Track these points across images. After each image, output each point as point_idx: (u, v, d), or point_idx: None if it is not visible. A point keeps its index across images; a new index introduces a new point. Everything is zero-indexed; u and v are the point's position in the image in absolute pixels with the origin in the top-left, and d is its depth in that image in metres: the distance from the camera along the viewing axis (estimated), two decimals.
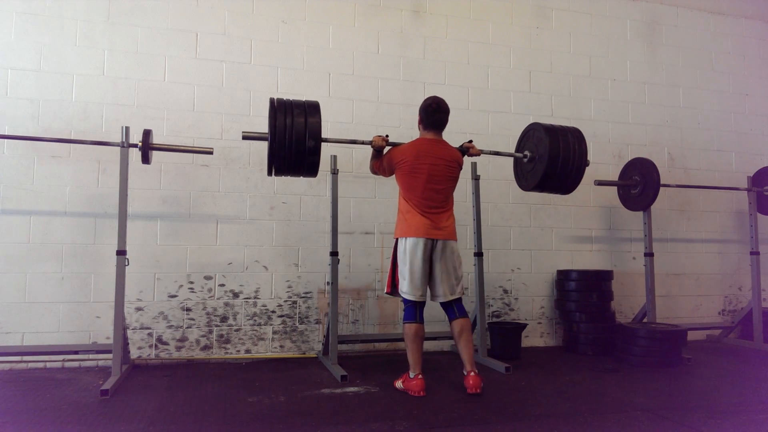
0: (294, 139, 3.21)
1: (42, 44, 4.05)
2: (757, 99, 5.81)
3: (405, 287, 3.35)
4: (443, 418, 2.83)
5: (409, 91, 4.78)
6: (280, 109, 3.25)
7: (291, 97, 3.43)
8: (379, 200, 4.61)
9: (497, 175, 4.89)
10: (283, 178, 4.37)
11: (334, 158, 4.02)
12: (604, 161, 5.24)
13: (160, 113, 4.22)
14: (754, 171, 5.27)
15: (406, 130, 4.72)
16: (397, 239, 3.43)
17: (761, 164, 5.42)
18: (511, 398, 3.21)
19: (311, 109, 3.30)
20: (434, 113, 3.42)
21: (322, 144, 3.32)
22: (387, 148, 3.56)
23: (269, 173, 3.36)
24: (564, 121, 5.12)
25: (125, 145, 3.53)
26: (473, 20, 5.02)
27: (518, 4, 5.15)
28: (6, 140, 3.88)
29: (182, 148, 3.85)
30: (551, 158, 3.65)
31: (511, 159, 4.89)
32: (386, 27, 4.78)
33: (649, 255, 4.70)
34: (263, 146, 4.32)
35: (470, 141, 3.77)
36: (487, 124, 4.95)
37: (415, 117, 4.67)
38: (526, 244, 4.98)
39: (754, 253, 4.99)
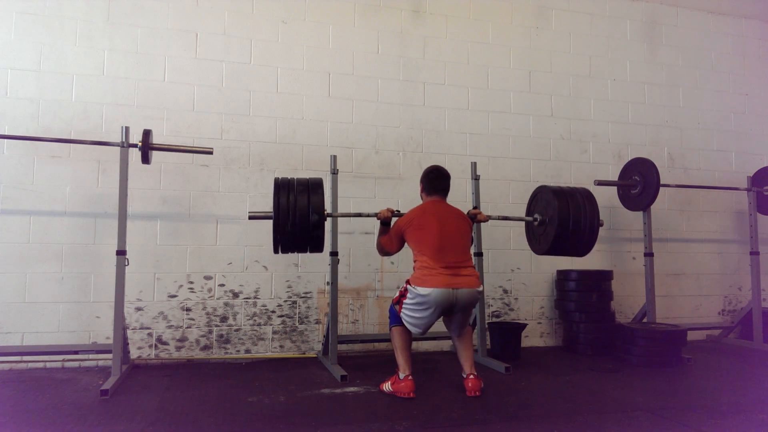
0: (298, 217, 3.28)
1: (42, 44, 4.05)
2: (757, 99, 5.81)
3: (408, 322, 3.28)
4: (443, 418, 2.83)
5: (409, 91, 4.78)
6: (283, 189, 3.35)
7: (294, 174, 3.44)
8: (379, 200, 4.61)
9: (497, 175, 4.89)
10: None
11: (334, 158, 4.02)
12: (604, 161, 5.24)
13: (160, 113, 4.22)
14: (754, 171, 5.27)
15: (406, 130, 4.73)
16: (408, 283, 3.29)
17: (761, 164, 5.42)
18: (511, 398, 3.20)
19: (314, 187, 3.38)
20: (435, 179, 3.45)
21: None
22: (393, 220, 3.53)
23: (275, 251, 3.39)
24: (564, 121, 5.16)
25: (125, 145, 3.53)
26: (473, 20, 5.02)
27: (518, 4, 5.15)
28: (6, 140, 3.88)
29: (182, 148, 3.86)
30: (561, 220, 3.61)
31: (512, 159, 4.93)
32: (386, 27, 4.78)
33: (649, 255, 4.70)
34: (263, 146, 4.37)
35: (475, 208, 3.97)
36: (487, 124, 4.95)
37: (414, 117, 4.74)
38: (526, 244, 4.94)
39: (754, 253, 4.99)
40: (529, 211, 4.03)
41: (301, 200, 3.30)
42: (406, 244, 3.43)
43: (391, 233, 3.46)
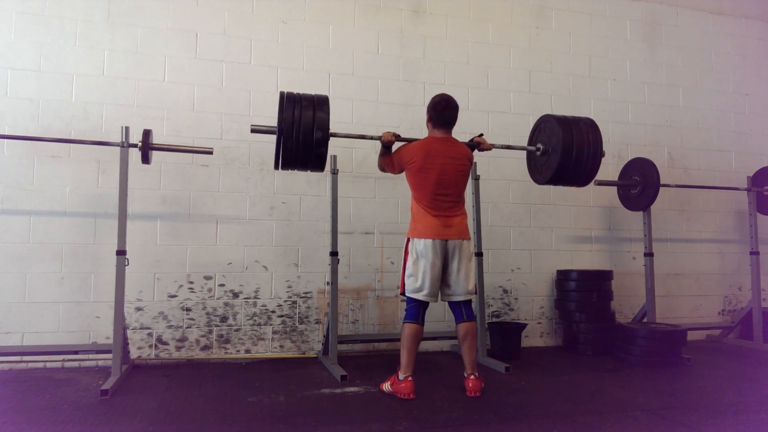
0: (302, 131, 3.21)
1: (42, 44, 4.05)
2: (757, 99, 5.81)
3: (413, 287, 3.28)
4: (443, 418, 2.83)
5: (409, 91, 4.78)
6: (288, 103, 3.26)
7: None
8: (379, 200, 4.61)
9: (497, 174, 4.89)
10: (282, 177, 4.39)
11: (334, 158, 4.01)
12: (604, 161, 5.18)
13: (160, 113, 4.22)
14: (754, 171, 5.27)
15: (406, 130, 4.71)
16: (408, 239, 3.37)
17: (761, 164, 5.42)
18: (511, 398, 3.20)
19: (320, 103, 3.31)
20: (444, 110, 3.36)
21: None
22: (396, 144, 3.51)
23: (276, 167, 3.33)
24: None
25: (125, 145, 3.53)
26: (473, 20, 5.02)
27: (518, 4, 5.15)
28: (6, 140, 3.88)
29: (182, 148, 3.86)
30: (565, 149, 3.56)
31: (512, 159, 4.92)
32: (386, 27, 4.78)
33: (648, 255, 4.70)
34: (263, 146, 4.35)
35: (481, 135, 3.70)
36: (487, 124, 4.95)
37: (414, 117, 4.74)
38: (526, 244, 4.98)
39: (754, 253, 4.99)
40: (532, 141, 3.96)
41: (306, 115, 3.25)
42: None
43: (393, 159, 3.47)
